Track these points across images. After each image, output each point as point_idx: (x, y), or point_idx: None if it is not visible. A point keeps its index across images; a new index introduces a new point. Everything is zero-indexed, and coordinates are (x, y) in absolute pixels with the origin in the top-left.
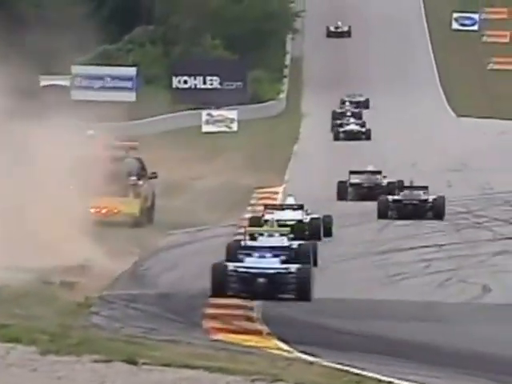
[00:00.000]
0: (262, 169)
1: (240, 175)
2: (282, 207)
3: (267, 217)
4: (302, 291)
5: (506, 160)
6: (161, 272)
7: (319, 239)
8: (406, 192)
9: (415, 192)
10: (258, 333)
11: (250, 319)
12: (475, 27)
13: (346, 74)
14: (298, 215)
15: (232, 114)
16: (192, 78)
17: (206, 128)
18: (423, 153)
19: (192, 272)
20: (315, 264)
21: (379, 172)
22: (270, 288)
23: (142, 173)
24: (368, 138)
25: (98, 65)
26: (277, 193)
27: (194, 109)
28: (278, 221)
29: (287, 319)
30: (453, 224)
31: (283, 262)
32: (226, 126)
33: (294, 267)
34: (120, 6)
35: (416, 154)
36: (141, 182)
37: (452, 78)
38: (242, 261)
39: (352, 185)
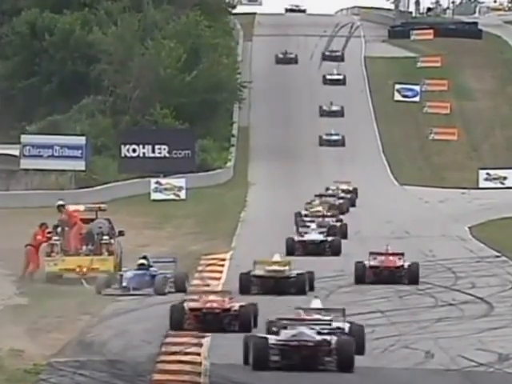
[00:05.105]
0: (209, 235)
1: (188, 242)
2: None
3: None
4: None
5: (446, 228)
6: (108, 338)
7: None
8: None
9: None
10: None
11: None
12: (417, 98)
13: (290, 144)
14: None
15: (180, 182)
16: (141, 146)
17: (154, 196)
18: (366, 220)
19: (139, 338)
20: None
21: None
22: None
23: (112, 232)
24: None
25: (47, 134)
26: (224, 259)
27: (143, 177)
28: None
29: None
30: (396, 291)
31: None
32: (174, 194)
33: None
34: (68, 77)
35: (359, 221)
36: (112, 241)
37: (395, 148)
38: None
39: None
